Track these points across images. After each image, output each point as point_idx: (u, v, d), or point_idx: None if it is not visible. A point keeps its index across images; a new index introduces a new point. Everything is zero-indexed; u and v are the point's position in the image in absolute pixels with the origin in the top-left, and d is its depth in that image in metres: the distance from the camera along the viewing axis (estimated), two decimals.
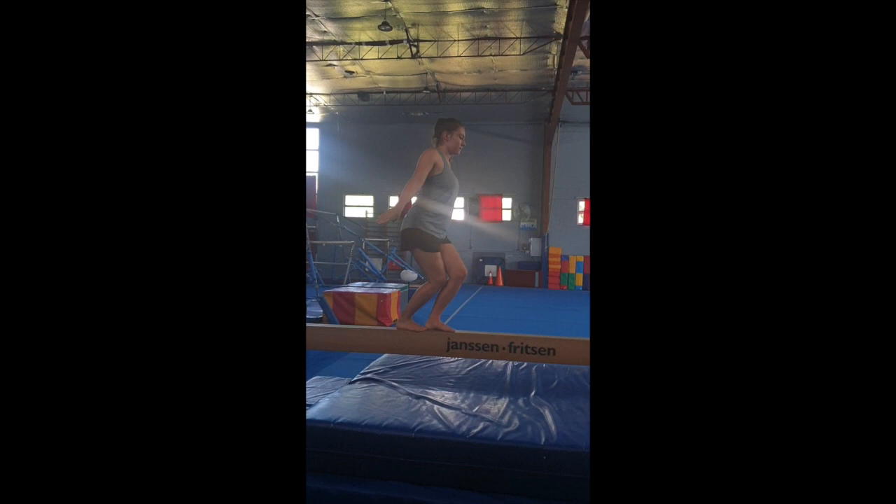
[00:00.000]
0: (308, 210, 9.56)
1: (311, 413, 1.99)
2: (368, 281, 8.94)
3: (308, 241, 8.01)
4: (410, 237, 2.23)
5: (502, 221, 13.10)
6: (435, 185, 2.21)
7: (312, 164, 13.77)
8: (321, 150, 13.64)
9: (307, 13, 7.99)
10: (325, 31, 8.78)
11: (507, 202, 13.13)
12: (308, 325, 2.49)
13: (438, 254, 2.25)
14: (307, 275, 7.55)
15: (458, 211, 13.21)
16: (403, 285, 7.91)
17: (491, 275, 12.61)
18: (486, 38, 8.86)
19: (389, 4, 7.65)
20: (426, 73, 10.49)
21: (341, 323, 5.89)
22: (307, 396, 2.75)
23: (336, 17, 8.25)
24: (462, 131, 2.32)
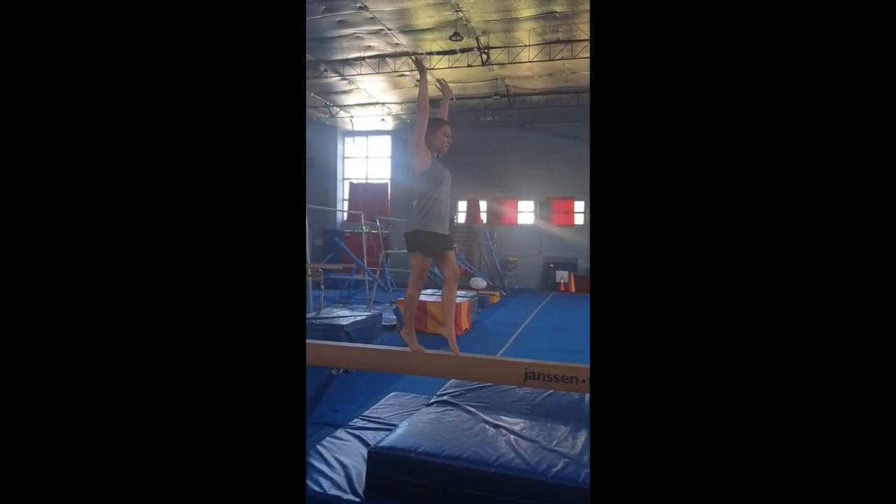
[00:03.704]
0: (381, 217, 9.85)
1: (391, 439, 2.06)
2: (438, 287, 9.06)
3: (382, 251, 8.26)
4: (414, 240, 2.28)
5: (574, 225, 12.76)
6: (424, 179, 2.30)
7: (385, 172, 14.18)
8: (393, 157, 14.01)
9: (380, 27, 8.24)
10: (397, 44, 9.02)
11: (579, 205, 12.78)
12: (381, 346, 2.57)
13: (430, 259, 2.30)
14: (381, 281, 7.78)
15: (528, 215, 13.05)
16: (473, 293, 7.94)
17: (562, 281, 12.33)
18: (558, 41, 8.68)
19: (460, 14, 7.71)
20: (496, 79, 10.47)
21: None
22: (384, 415, 2.84)
23: (408, 30, 8.44)
24: (447, 129, 2.40)
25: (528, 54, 8.96)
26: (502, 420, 2.29)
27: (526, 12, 7.69)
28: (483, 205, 13.34)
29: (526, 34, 8.49)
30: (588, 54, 8.69)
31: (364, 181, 14.38)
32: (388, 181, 14.03)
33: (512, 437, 2.09)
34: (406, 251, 2.43)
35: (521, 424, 2.24)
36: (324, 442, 2.45)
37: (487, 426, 2.21)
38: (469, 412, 2.41)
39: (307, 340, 3.75)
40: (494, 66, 9.51)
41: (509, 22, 8.05)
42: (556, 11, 7.61)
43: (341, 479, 2.08)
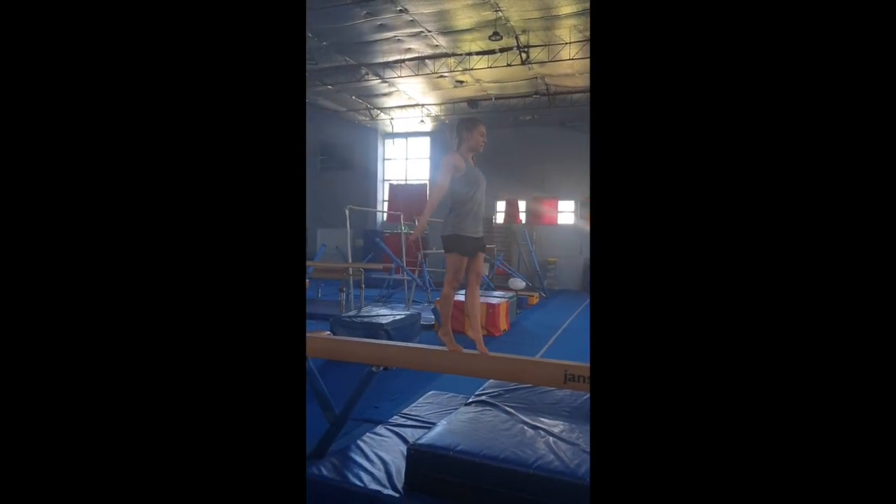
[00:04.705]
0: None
1: (430, 437, 2.08)
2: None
3: (420, 251, 8.34)
4: (451, 243, 2.32)
5: None
6: (459, 184, 2.30)
7: (424, 173, 14.30)
8: (432, 158, 14.10)
9: (420, 30, 8.32)
10: (436, 45, 9.07)
11: None
12: (420, 345, 2.60)
13: (467, 259, 2.32)
14: (420, 281, 7.85)
15: (568, 214, 12.85)
16: (511, 294, 7.89)
17: None
18: None
19: (500, 14, 7.68)
20: (536, 78, 10.36)
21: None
22: (423, 413, 2.87)
23: (447, 31, 8.48)
24: (482, 129, 2.38)
25: (569, 52, 8.82)
26: (541, 422, 2.28)
27: (567, 9, 7.57)
28: (522, 205, 13.22)
29: (567, 31, 8.35)
30: None
31: (403, 182, 14.54)
32: (427, 182, 14.14)
33: (551, 438, 2.07)
34: (443, 251, 2.46)
35: (561, 427, 2.22)
36: (364, 437, 2.50)
37: (526, 427, 2.20)
38: (507, 413, 2.40)
39: (348, 338, 3.84)
40: (534, 65, 9.41)
41: (550, 20, 7.95)
42: None
43: (381, 475, 2.12)
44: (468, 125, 2.40)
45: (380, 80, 10.71)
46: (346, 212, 6.80)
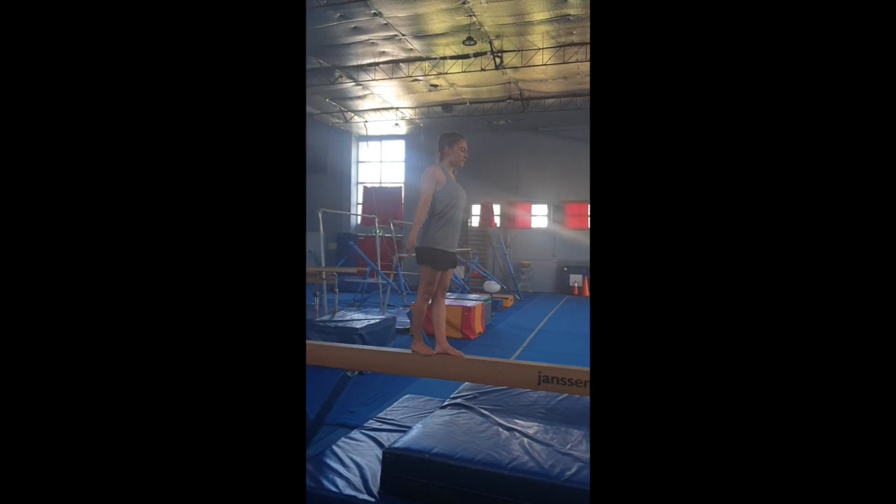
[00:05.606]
0: (395, 221, 9.91)
1: (405, 441, 2.08)
2: (452, 291, 9.08)
3: (396, 254, 8.31)
4: (424, 254, 2.31)
5: (589, 229, 12.68)
6: (438, 198, 2.30)
7: (399, 176, 14.27)
8: (407, 161, 14.08)
9: (394, 33, 8.32)
10: (410, 49, 9.09)
11: None
12: (394, 349, 2.59)
13: (439, 273, 2.31)
14: (395, 285, 7.82)
15: (542, 218, 13.02)
16: (486, 297, 7.94)
17: (576, 285, 12.26)
18: (573, 44, 8.66)
19: (473, 19, 7.74)
20: (510, 83, 10.47)
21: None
22: (399, 416, 2.87)
23: (421, 35, 8.50)
24: (463, 144, 2.39)
25: (542, 57, 8.96)
26: (516, 423, 2.30)
27: (539, 16, 7.69)
28: (496, 208, 13.33)
29: (540, 37, 8.49)
30: None
31: (378, 185, 14.47)
32: (402, 185, 14.11)
33: (525, 440, 2.09)
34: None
35: (535, 428, 2.25)
36: (339, 442, 2.48)
37: (501, 429, 2.22)
38: (483, 415, 2.42)
39: (322, 343, 3.80)
40: (508, 70, 9.52)
41: (523, 25, 8.06)
42: (569, 14, 7.61)
43: (356, 479, 2.10)
44: (449, 140, 2.40)
45: (354, 83, 10.65)
46: (319, 215, 6.72)
